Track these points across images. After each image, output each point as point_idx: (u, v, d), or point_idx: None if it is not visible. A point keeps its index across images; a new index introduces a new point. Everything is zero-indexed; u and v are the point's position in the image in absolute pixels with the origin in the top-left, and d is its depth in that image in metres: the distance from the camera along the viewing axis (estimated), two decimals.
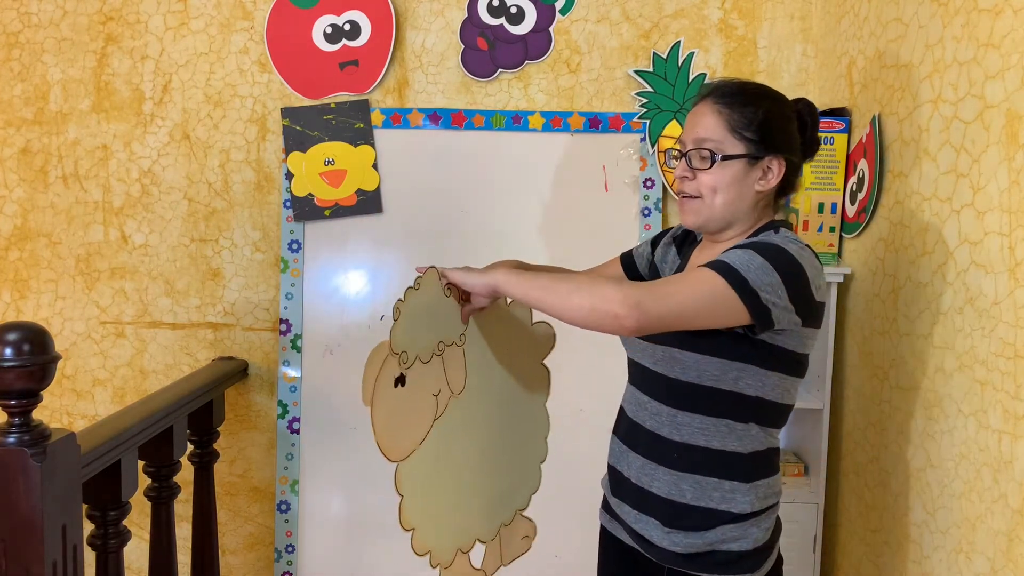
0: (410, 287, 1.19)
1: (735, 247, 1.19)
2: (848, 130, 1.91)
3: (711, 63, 2.15)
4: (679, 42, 2.13)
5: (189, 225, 2.18)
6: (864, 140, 1.83)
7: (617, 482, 1.36)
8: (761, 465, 1.25)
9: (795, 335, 1.20)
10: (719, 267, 1.14)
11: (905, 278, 1.62)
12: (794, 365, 1.24)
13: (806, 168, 1.91)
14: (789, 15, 2.14)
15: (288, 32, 2.12)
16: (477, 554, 1.35)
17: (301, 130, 2.13)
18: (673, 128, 2.12)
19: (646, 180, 2.14)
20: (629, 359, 1.37)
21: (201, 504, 2.01)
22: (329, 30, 2.12)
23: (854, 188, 1.89)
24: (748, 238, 1.25)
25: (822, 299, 1.22)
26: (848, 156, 1.92)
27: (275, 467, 2.19)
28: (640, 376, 1.33)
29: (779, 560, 1.33)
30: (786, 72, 2.15)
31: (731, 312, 1.13)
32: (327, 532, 2.16)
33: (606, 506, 1.43)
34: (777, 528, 1.32)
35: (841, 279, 1.90)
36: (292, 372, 2.14)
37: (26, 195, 2.18)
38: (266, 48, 2.13)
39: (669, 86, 2.13)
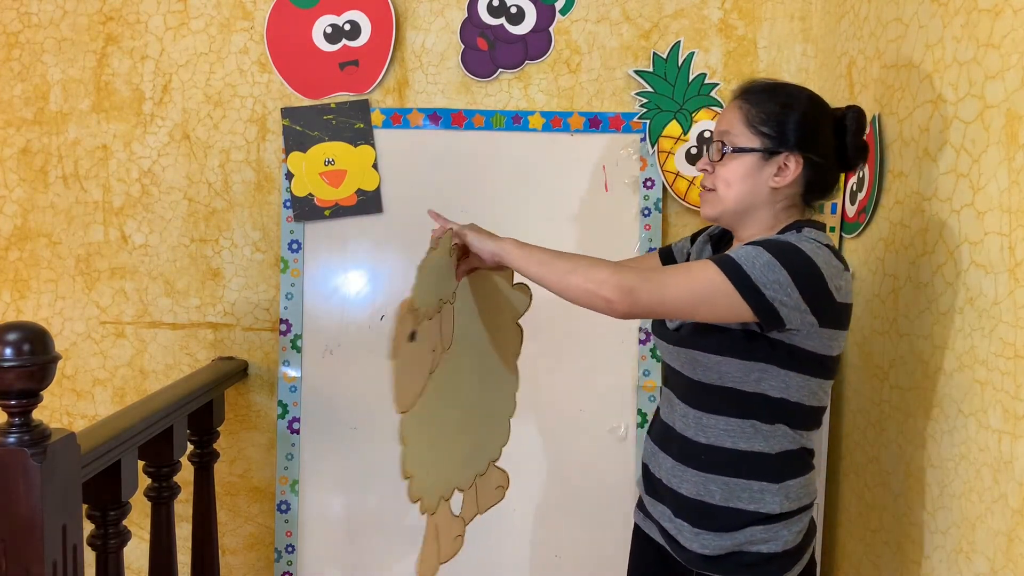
0: (431, 247, 1.24)
1: (747, 243, 1.18)
2: None
3: (711, 63, 2.15)
4: (679, 42, 2.13)
5: (189, 225, 2.18)
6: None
7: (649, 481, 1.38)
8: (791, 465, 1.24)
9: (815, 336, 1.18)
10: (723, 261, 1.14)
11: (905, 278, 1.62)
12: (817, 367, 1.22)
13: None
14: (789, 15, 2.14)
15: (288, 32, 2.12)
16: (456, 502, 1.44)
17: (301, 130, 2.13)
18: (673, 128, 2.12)
19: (646, 180, 2.14)
20: (662, 362, 1.39)
21: (201, 504, 2.01)
22: (329, 30, 2.12)
23: (854, 188, 1.89)
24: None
25: (844, 299, 1.20)
26: None
27: (275, 467, 2.19)
28: (671, 378, 1.35)
29: (812, 563, 1.32)
30: (786, 72, 2.15)
31: (732, 308, 1.13)
32: (327, 532, 2.16)
33: (641, 505, 1.44)
34: (811, 531, 1.30)
35: None
36: (292, 372, 2.14)
37: (26, 195, 2.18)
38: (266, 48, 2.13)
39: (669, 86, 2.13)
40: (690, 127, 2.14)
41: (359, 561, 2.16)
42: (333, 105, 2.14)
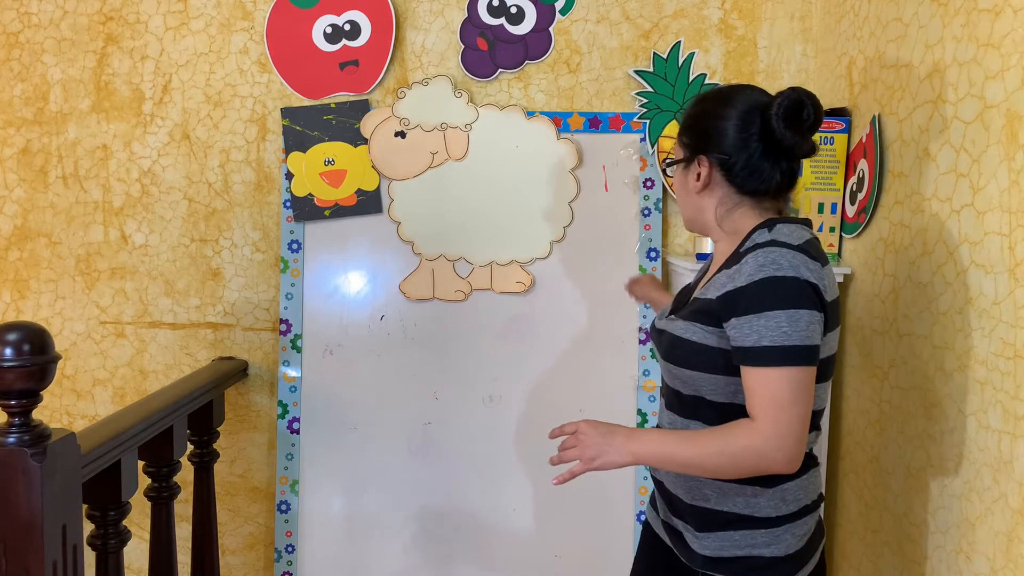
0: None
1: (744, 307, 1.13)
2: (848, 130, 1.91)
3: (711, 63, 2.15)
4: (679, 42, 2.13)
5: (189, 225, 2.18)
6: (864, 140, 1.83)
7: (656, 481, 1.38)
8: None
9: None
10: (773, 358, 1.10)
11: (905, 278, 1.62)
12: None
13: (806, 168, 1.92)
14: (789, 15, 2.14)
15: (288, 32, 2.12)
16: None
17: (301, 130, 2.13)
18: (673, 128, 2.12)
19: (646, 180, 2.14)
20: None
21: (201, 504, 2.01)
22: (329, 30, 2.12)
23: (854, 188, 1.89)
24: (742, 248, 1.20)
25: (831, 298, 1.18)
26: (848, 156, 1.92)
27: (275, 467, 2.19)
28: (663, 389, 1.35)
29: (821, 566, 1.29)
30: (786, 72, 2.15)
31: (814, 371, 1.12)
32: (327, 532, 2.16)
33: (652, 502, 1.44)
34: (817, 533, 1.28)
35: (841, 279, 1.90)
36: (292, 372, 2.14)
37: (26, 195, 2.18)
38: (266, 48, 2.13)
39: (669, 86, 2.13)
40: None
41: (359, 561, 2.16)
42: (333, 105, 2.14)
